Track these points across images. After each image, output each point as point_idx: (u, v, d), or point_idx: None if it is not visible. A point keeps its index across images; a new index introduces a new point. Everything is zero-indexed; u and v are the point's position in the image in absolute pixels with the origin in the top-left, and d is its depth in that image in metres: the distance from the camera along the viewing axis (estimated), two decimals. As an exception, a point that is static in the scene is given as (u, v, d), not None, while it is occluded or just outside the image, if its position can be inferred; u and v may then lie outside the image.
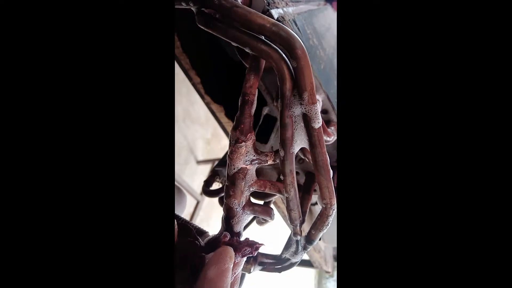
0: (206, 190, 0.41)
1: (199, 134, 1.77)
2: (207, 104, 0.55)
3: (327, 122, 0.31)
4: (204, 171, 1.76)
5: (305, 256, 0.94)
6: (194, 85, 0.54)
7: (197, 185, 1.67)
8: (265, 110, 0.33)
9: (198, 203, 1.66)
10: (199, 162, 1.73)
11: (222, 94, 0.54)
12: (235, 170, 0.24)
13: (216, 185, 0.43)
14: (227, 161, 0.24)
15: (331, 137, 0.29)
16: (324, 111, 0.31)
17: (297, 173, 0.37)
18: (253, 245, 0.25)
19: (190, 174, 1.67)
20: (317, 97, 0.29)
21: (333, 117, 0.31)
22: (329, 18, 0.64)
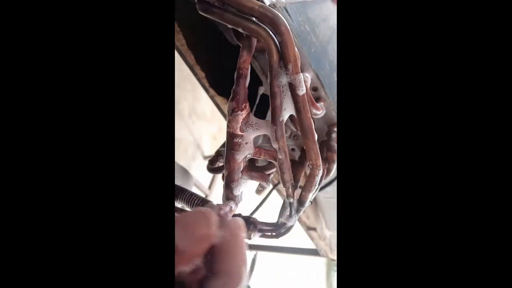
0: (211, 168, 0.45)
1: (205, 130, 1.81)
2: (212, 97, 0.60)
3: (317, 99, 0.34)
4: (212, 166, 1.79)
5: (312, 245, 0.97)
6: (198, 79, 0.58)
7: (205, 179, 1.72)
8: (261, 90, 0.36)
9: (206, 196, 1.70)
10: (206, 158, 1.77)
11: (225, 87, 0.58)
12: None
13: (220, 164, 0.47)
14: (226, 130, 0.28)
15: (319, 111, 0.32)
16: (314, 89, 0.34)
17: (292, 149, 0.41)
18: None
19: (198, 169, 1.71)
20: (306, 74, 0.32)
21: (323, 93, 0.34)
22: (327, 10, 0.67)
